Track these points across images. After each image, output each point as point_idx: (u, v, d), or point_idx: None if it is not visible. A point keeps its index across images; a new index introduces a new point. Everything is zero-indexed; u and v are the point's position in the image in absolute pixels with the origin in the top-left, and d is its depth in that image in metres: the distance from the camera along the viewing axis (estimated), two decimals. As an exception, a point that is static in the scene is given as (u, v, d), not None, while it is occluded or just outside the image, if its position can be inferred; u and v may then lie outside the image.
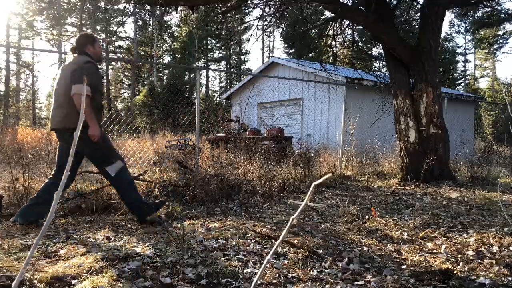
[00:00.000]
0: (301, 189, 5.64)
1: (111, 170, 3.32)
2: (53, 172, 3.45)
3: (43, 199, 3.25)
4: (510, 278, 2.23)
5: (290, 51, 34.01)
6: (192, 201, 4.54)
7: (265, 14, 7.36)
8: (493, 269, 2.37)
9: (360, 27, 7.42)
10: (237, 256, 2.49)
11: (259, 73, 14.67)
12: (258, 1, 6.69)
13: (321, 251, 2.66)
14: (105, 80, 35.96)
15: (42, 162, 4.96)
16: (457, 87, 34.28)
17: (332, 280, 2.17)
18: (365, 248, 2.80)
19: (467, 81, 39.31)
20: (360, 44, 25.21)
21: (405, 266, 2.43)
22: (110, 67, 36.86)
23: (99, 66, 3.53)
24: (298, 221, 3.62)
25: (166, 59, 38.68)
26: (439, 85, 6.42)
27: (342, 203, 4.43)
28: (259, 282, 2.08)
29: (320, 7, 11.81)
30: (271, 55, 39.18)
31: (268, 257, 0.87)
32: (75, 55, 3.42)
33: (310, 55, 29.93)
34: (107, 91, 34.02)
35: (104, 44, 34.52)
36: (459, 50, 38.67)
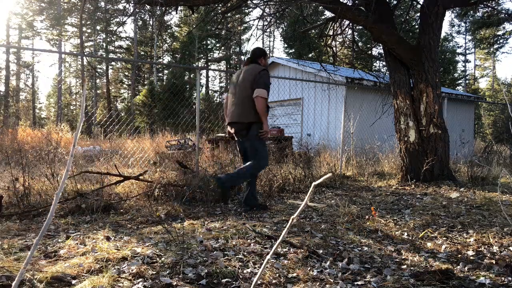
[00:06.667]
0: (301, 189, 5.63)
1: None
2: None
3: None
4: (510, 278, 2.23)
5: (290, 51, 33.99)
6: (192, 201, 4.55)
7: (265, 14, 7.35)
8: (493, 269, 2.37)
9: (360, 27, 7.40)
10: (237, 256, 2.49)
11: (259, 73, 14.62)
12: (258, 1, 6.69)
13: (321, 251, 2.66)
14: (105, 80, 36.00)
15: (42, 162, 4.96)
16: (457, 87, 34.29)
17: (332, 280, 2.17)
18: (365, 248, 2.80)
19: (467, 81, 39.33)
20: (360, 44, 25.21)
21: (405, 266, 2.43)
22: (110, 67, 36.84)
23: None
24: (298, 221, 3.62)
25: (166, 59, 38.67)
26: (439, 85, 6.42)
27: (342, 203, 4.43)
28: (259, 282, 2.08)
29: (320, 7, 11.80)
30: (271, 55, 39.14)
31: (268, 257, 0.87)
32: (251, 64, 4.13)
33: (310, 55, 29.91)
34: (107, 91, 34.03)
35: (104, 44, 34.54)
36: (459, 50, 38.69)
